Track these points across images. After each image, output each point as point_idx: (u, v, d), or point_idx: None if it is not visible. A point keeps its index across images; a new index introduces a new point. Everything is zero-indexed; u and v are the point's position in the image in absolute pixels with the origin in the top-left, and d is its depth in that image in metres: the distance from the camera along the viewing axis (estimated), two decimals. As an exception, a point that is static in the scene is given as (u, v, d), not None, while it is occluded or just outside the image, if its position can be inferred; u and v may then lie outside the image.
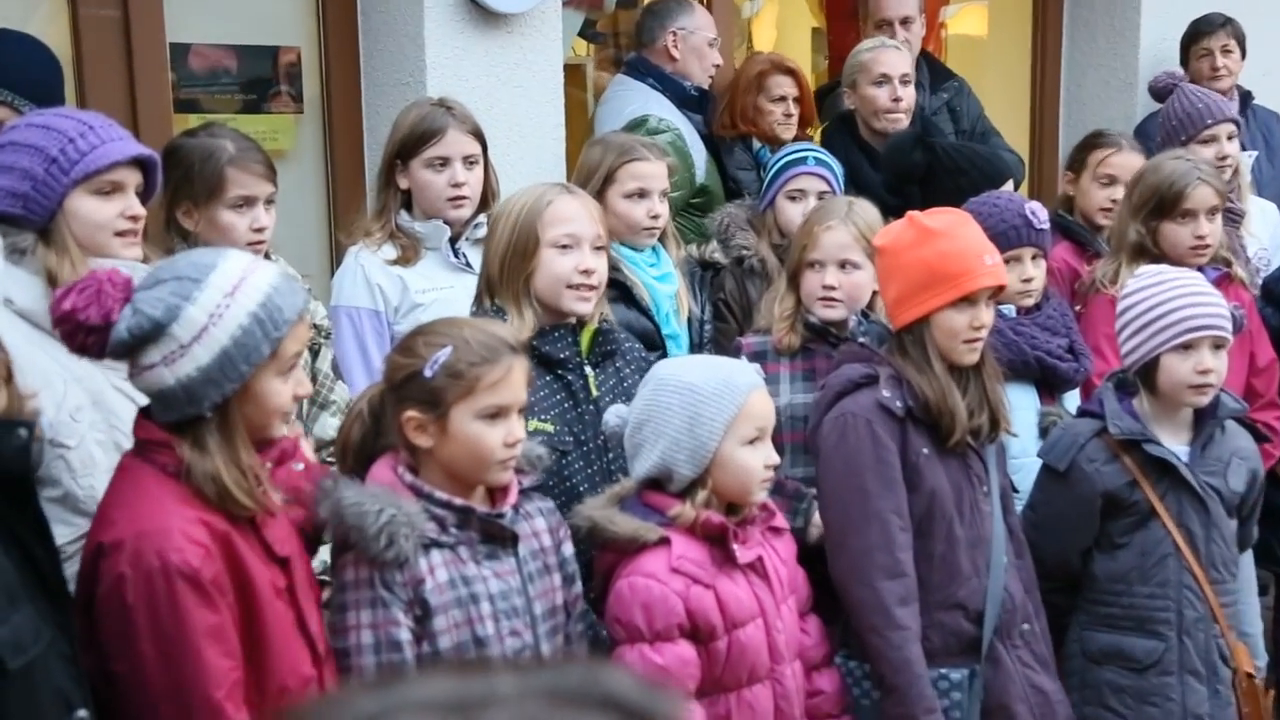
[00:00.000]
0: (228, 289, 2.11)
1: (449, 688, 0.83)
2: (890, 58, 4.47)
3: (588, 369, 2.90)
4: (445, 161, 3.39)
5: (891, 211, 3.64)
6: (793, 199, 3.83)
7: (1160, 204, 3.77)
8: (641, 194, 3.54)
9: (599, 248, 2.89)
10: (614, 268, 3.46)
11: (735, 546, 2.55)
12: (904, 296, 2.80)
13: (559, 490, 2.75)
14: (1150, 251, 3.78)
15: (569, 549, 2.57)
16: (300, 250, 3.96)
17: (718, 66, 4.64)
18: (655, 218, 3.57)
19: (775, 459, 2.61)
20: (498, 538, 2.40)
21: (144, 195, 2.60)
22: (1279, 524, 3.91)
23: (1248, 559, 3.78)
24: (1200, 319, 3.01)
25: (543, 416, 2.80)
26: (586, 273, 2.84)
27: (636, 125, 4.13)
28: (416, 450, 2.37)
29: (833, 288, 3.21)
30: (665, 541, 2.51)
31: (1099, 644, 3.11)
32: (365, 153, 4.13)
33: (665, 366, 2.66)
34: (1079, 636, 3.15)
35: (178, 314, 2.09)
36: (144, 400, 2.28)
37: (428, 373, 2.32)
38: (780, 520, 2.74)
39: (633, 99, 4.39)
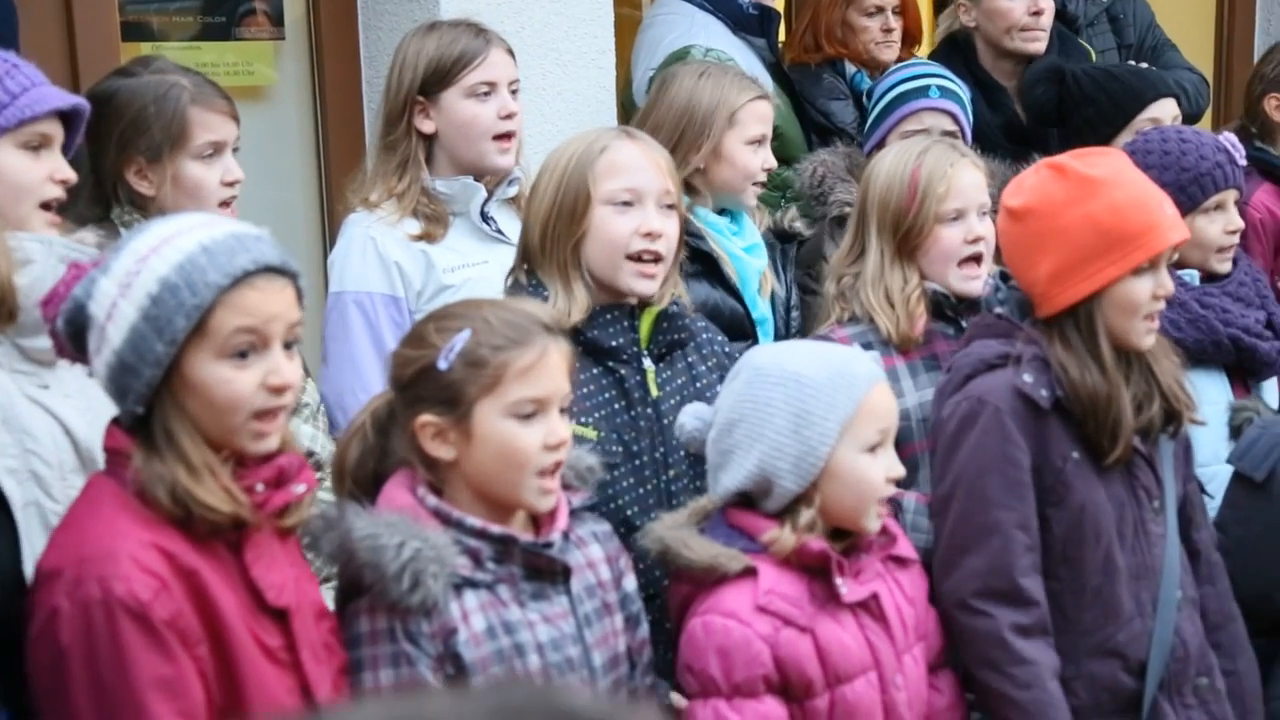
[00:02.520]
0: (143, 253, 2.12)
1: (378, 713, 0.91)
2: None
3: (646, 362, 2.91)
4: (492, 87, 3.40)
5: (1009, 159, 3.64)
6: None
7: None
8: (762, 140, 3.62)
9: (669, 206, 2.89)
10: (697, 235, 3.48)
11: (839, 580, 2.56)
12: (1068, 268, 2.76)
13: (601, 514, 2.74)
14: None
15: (631, 583, 2.59)
16: (284, 214, 4.01)
17: None
18: (767, 170, 3.65)
19: (900, 470, 2.61)
20: (545, 573, 2.42)
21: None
22: None
23: None
24: None
25: (584, 419, 2.81)
26: (650, 236, 2.84)
27: (675, 62, 4.10)
28: (437, 466, 2.39)
29: (982, 239, 3.21)
30: (751, 572, 2.52)
31: (1311, 701, 3.09)
32: (363, 87, 4.17)
33: (763, 354, 2.66)
34: (1284, 691, 3.12)
35: (92, 289, 2.13)
36: (69, 411, 2.32)
37: (442, 364, 2.34)
38: (905, 547, 2.73)
39: (675, 24, 4.40)
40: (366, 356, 3.29)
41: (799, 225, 3.84)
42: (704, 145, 3.55)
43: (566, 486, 2.49)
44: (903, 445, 3.12)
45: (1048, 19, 4.43)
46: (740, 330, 3.52)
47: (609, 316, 2.88)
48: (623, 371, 2.88)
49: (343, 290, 3.36)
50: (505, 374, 2.33)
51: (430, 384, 2.35)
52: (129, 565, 2.05)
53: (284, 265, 2.18)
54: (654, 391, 2.90)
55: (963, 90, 3.93)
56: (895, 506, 2.85)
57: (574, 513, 2.51)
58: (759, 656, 2.49)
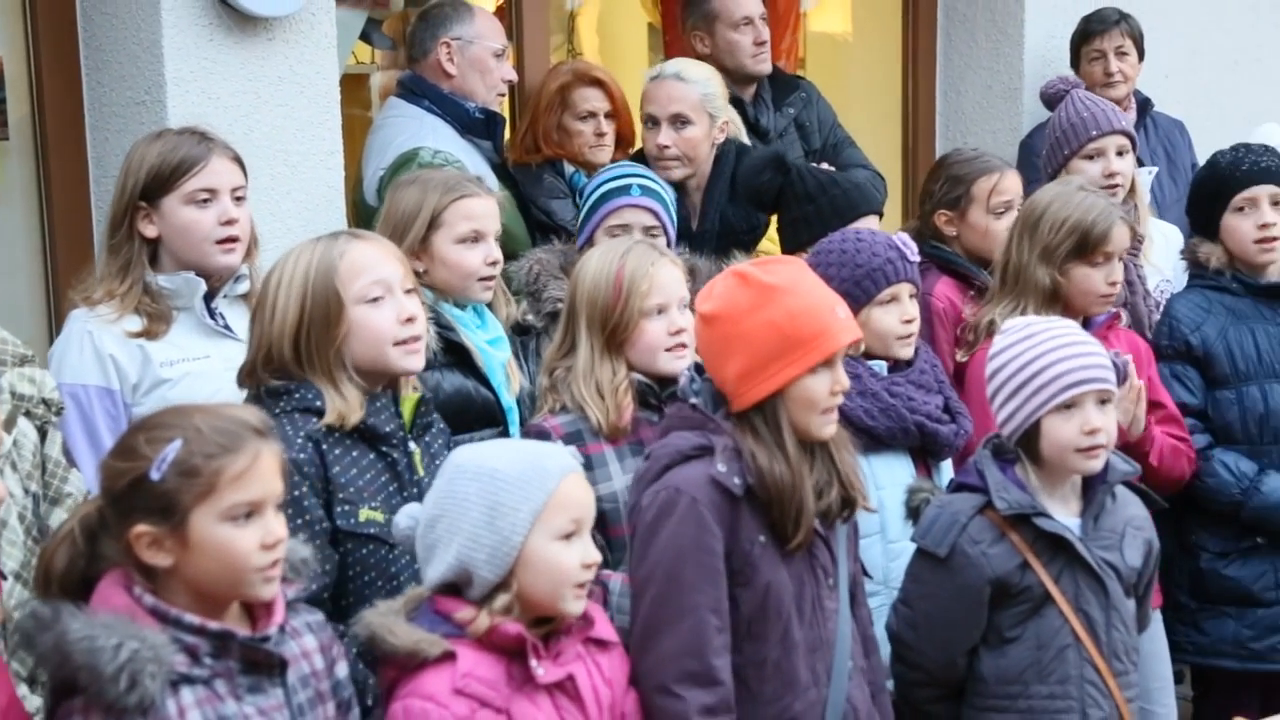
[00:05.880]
0: None
1: None
2: (658, 92, 4.62)
3: (412, 444, 3.03)
4: (211, 194, 3.45)
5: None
6: (616, 238, 3.92)
7: (1081, 246, 4.01)
8: (476, 237, 3.69)
9: (409, 290, 3.03)
10: (448, 327, 3.61)
11: (534, 663, 2.63)
12: (751, 369, 2.90)
13: (386, 591, 2.84)
14: (1063, 298, 4.01)
15: (343, 670, 2.64)
16: (9, 314, 3.92)
17: (510, 82, 4.78)
18: (493, 264, 3.73)
19: (595, 557, 2.70)
20: (262, 665, 2.45)
21: None
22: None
23: (1161, 646, 4.05)
24: (1079, 373, 3.24)
25: (373, 504, 2.91)
26: (410, 321, 2.97)
27: (405, 163, 4.23)
28: (153, 570, 2.40)
29: (683, 330, 3.38)
30: (451, 657, 2.58)
31: (992, 757, 3.28)
32: (91, 187, 4.14)
33: (463, 452, 2.74)
34: (970, 752, 3.32)
35: None
36: None
37: (154, 475, 2.35)
38: (605, 630, 2.83)
39: (405, 127, 4.51)
40: (80, 447, 3.31)
41: (530, 319, 3.96)
42: (408, 247, 3.60)
43: (283, 579, 2.52)
44: (611, 527, 3.28)
45: (678, 150, 4.57)
46: (492, 418, 3.64)
47: (378, 404, 2.98)
48: (394, 455, 2.99)
49: (60, 383, 3.33)
50: (219, 481, 2.37)
51: (143, 495, 2.37)
52: None
53: None
54: (420, 472, 3.02)
55: (664, 190, 4.15)
56: (603, 588, 2.94)
57: (289, 604, 2.55)
58: (455, 737, 2.55)
